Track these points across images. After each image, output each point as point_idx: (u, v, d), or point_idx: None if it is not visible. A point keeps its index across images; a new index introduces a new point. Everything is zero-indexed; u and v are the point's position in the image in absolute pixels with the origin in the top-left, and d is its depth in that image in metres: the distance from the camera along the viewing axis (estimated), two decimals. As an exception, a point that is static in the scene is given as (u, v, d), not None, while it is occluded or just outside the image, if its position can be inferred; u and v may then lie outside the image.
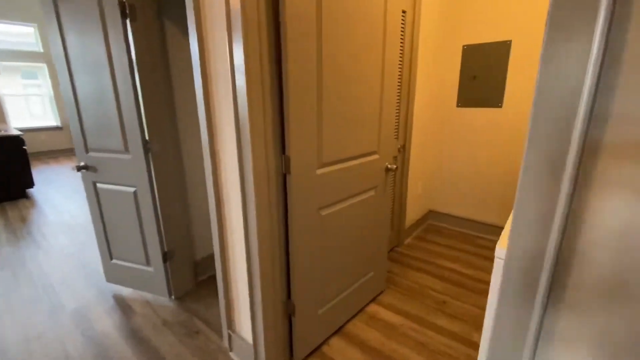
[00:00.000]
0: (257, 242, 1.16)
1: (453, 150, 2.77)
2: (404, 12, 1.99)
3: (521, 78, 2.33)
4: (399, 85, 2.12)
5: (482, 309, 1.81)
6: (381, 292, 1.95)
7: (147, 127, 1.60)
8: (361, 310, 1.81)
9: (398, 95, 2.14)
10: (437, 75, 2.67)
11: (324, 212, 1.36)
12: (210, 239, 2.14)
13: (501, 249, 0.87)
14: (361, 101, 1.41)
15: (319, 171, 1.29)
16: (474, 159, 2.67)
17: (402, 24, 2.00)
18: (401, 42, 2.04)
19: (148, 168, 1.64)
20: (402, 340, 1.59)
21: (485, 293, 1.95)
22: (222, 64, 1.08)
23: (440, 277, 2.12)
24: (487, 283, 2.04)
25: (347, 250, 1.55)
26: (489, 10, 2.37)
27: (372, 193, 1.64)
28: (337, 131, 1.32)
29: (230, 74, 1.04)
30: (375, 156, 1.60)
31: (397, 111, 2.17)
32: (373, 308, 1.83)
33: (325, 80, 1.21)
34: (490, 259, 2.35)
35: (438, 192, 2.94)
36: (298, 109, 1.14)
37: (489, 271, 2.19)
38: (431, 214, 3.01)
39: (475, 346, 1.54)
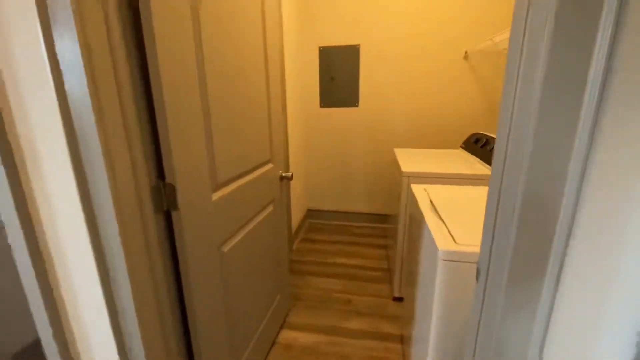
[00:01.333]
0: (136, 318, 0.74)
1: (320, 149, 2.85)
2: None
3: (371, 80, 2.60)
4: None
5: (381, 296, 1.91)
6: (288, 312, 1.76)
7: None
8: (274, 343, 1.56)
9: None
10: (300, 76, 2.65)
11: (226, 248, 1.04)
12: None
13: (445, 250, 0.85)
14: (251, 103, 1.15)
15: (216, 195, 0.96)
16: (339, 155, 2.83)
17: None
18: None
19: None
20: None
21: (376, 280, 2.08)
22: (28, 61, 0.60)
23: (336, 276, 2.13)
24: (374, 270, 2.19)
25: (253, 282, 1.28)
26: (339, 14, 2.51)
27: (270, 208, 1.41)
28: (230, 140, 1.02)
29: (51, 76, 0.59)
30: (270, 165, 1.37)
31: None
32: (285, 335, 1.62)
33: (210, 79, 0.90)
34: (367, 245, 2.54)
35: (313, 190, 2.98)
36: (178, 117, 0.78)
37: (371, 258, 2.36)
38: (309, 212, 3.03)
39: (389, 337, 1.59)
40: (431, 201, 1.21)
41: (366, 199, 2.90)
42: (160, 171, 0.79)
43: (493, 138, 1.80)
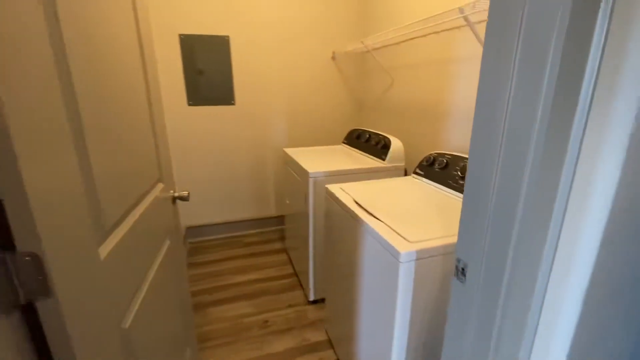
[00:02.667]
0: None
1: (193, 154, 2.44)
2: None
3: (246, 76, 2.40)
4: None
5: (297, 304, 1.82)
6: (198, 362, 1.43)
7: None
8: (190, 409, 1.22)
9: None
10: (159, 69, 2.15)
11: (127, 322, 0.69)
12: None
13: (407, 252, 0.84)
14: (131, 109, 0.80)
15: (104, 250, 0.61)
16: (217, 160, 2.51)
17: None
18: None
19: None
20: (262, 401, 1.26)
21: (286, 288, 1.97)
22: None
23: (241, 298, 1.88)
24: (281, 278, 2.08)
25: (163, 351, 0.93)
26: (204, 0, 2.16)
27: (167, 243, 1.06)
28: (113, 162, 0.67)
29: None
30: (160, 186, 1.02)
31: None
32: (201, 392, 1.30)
33: (79, 81, 0.55)
34: (265, 253, 2.39)
35: (189, 204, 2.54)
36: (33, 131, 0.43)
37: (273, 265, 2.22)
38: (188, 231, 2.57)
39: (319, 346, 1.52)
40: (356, 201, 1.19)
41: (254, 204, 2.70)
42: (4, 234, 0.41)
43: (374, 133, 1.98)
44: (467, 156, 1.31)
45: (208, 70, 2.31)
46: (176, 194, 1.17)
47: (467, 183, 0.62)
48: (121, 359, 0.65)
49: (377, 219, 1.04)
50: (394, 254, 0.85)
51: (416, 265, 0.84)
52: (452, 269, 0.90)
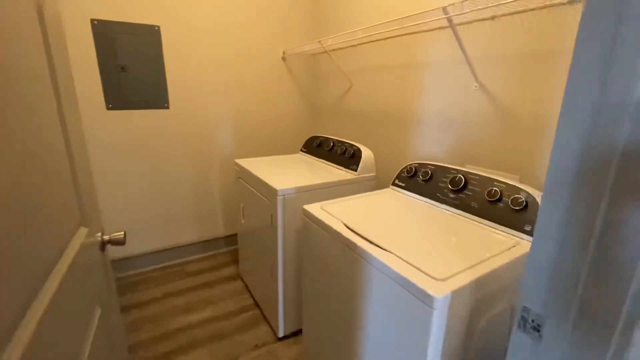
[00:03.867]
0: None
1: (116, 170, 1.97)
2: None
3: (182, 75, 2.02)
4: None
5: (264, 344, 1.55)
6: None
7: None
8: None
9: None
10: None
11: None
12: None
13: (443, 296, 0.68)
14: (35, 132, 0.48)
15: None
16: (148, 175, 2.08)
17: None
18: None
19: None
20: None
21: (248, 325, 1.68)
22: None
23: (195, 345, 1.54)
24: (239, 312, 1.77)
25: None
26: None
27: (99, 312, 0.73)
28: (11, 223, 0.37)
29: None
30: (83, 231, 0.69)
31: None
32: None
33: None
34: (215, 282, 2.04)
35: (113, 231, 2.04)
36: None
37: (227, 297, 1.90)
38: (115, 264, 2.07)
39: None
40: (346, 225, 1.01)
41: (197, 225, 2.31)
42: None
43: (339, 141, 1.82)
44: (452, 167, 1.23)
45: (133, 67, 1.88)
46: (106, 237, 0.83)
47: (542, 215, 0.48)
48: None
49: (381, 248, 0.87)
50: (422, 298, 0.69)
51: (450, 307, 0.70)
52: (480, 308, 0.77)
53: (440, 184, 1.21)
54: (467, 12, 1.07)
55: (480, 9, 1.04)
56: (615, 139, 0.40)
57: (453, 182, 1.15)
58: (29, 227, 0.44)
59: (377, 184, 1.66)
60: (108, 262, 0.91)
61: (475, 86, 1.29)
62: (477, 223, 1.03)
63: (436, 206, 1.18)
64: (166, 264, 2.24)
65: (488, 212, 1.02)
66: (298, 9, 2.29)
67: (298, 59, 2.39)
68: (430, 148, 1.53)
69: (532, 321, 0.53)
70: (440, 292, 0.67)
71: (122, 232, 0.84)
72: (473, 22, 1.24)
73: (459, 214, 1.09)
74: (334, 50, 2.09)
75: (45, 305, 0.44)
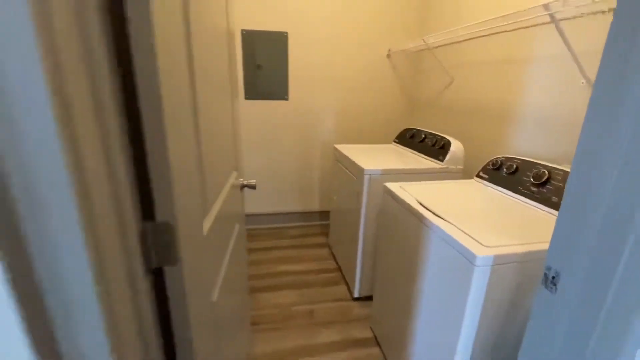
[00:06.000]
0: None
1: (244, 146, 2.55)
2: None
3: (300, 71, 2.44)
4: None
5: (341, 299, 1.84)
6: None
7: None
8: (244, 386, 1.29)
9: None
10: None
11: (215, 295, 0.75)
12: None
13: (483, 256, 0.82)
14: (221, 100, 0.86)
15: (206, 226, 0.67)
16: (266, 152, 2.59)
17: None
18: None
19: None
20: (310, 389, 1.29)
21: (330, 282, 1.99)
22: None
23: (287, 287, 1.94)
24: (324, 272, 2.11)
25: (234, 330, 0.99)
26: (266, -5, 2.24)
27: (237, 228, 1.12)
28: (211, 147, 0.73)
29: None
30: (235, 174, 1.09)
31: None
32: (252, 372, 1.36)
33: (198, 83, 0.61)
34: (308, 246, 2.43)
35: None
36: (175, 121, 0.48)
37: (316, 259, 2.26)
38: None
39: (365, 342, 1.53)
40: (419, 201, 1.18)
41: (298, 197, 2.76)
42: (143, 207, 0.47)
43: (430, 133, 1.93)
44: (540, 162, 1.24)
45: (266, 65, 2.39)
46: (245, 182, 1.23)
47: (570, 186, 0.58)
48: (211, 328, 0.71)
49: (446, 220, 1.02)
50: (468, 257, 0.83)
51: (491, 271, 0.82)
52: (529, 278, 0.86)
53: (523, 178, 1.23)
54: (570, 8, 1.07)
55: (585, 5, 1.03)
56: None
57: (536, 176, 1.17)
58: (224, 158, 0.81)
59: (464, 177, 1.71)
60: (243, 201, 1.33)
61: (582, 82, 1.24)
62: (551, 215, 1.05)
63: (514, 197, 1.22)
64: (274, 225, 2.76)
65: (568, 207, 1.03)
66: (407, 8, 2.43)
67: (402, 56, 2.53)
68: (523, 144, 1.51)
69: (553, 278, 0.64)
70: (481, 252, 0.81)
71: (254, 181, 1.23)
72: (580, 16, 1.19)
73: (535, 206, 1.12)
74: (436, 47, 2.17)
75: (221, 201, 0.81)
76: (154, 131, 0.44)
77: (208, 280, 0.69)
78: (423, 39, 1.96)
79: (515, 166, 1.29)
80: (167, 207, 0.48)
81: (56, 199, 0.30)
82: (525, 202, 1.17)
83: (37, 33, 0.26)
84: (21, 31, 0.26)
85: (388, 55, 2.52)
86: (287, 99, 2.50)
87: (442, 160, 1.69)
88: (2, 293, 0.29)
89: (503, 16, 1.32)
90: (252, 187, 1.23)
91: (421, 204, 1.16)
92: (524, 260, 0.84)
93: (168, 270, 0.51)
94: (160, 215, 0.48)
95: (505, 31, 1.59)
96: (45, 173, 0.30)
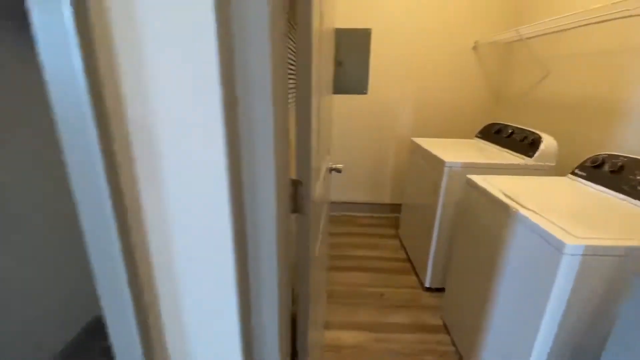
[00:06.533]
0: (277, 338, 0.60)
1: (324, 138, 2.73)
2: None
3: (380, 66, 2.52)
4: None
5: (412, 287, 1.90)
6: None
7: None
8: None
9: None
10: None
11: (316, 251, 0.91)
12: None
13: (573, 245, 0.82)
14: (325, 89, 1.01)
15: (315, 189, 0.82)
16: (343, 143, 2.73)
17: None
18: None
19: None
20: (380, 358, 1.40)
21: (400, 271, 2.06)
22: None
23: (359, 269, 2.07)
24: (393, 260, 2.17)
25: (321, 289, 1.16)
26: (354, -5, 2.37)
27: (325, 206, 1.28)
28: (321, 129, 0.88)
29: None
30: (328, 157, 1.25)
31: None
32: (327, 335, 1.52)
33: (319, 73, 0.76)
34: (378, 236, 2.52)
35: (316, 182, 2.86)
36: (318, 89, 0.64)
37: (386, 248, 2.33)
38: (312, 205, 2.91)
39: (435, 329, 1.58)
40: (505, 194, 1.18)
41: (369, 189, 2.86)
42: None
43: (519, 128, 1.84)
44: (654, 160, 1.13)
45: (346, 62, 2.52)
46: (333, 166, 1.38)
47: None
48: (313, 280, 0.87)
49: (533, 212, 1.02)
50: (556, 245, 0.84)
51: (582, 262, 0.82)
52: (625, 274, 0.83)
53: (629, 177, 1.14)
54: None
55: None
56: None
57: (647, 174, 1.08)
58: (324, 139, 0.96)
59: (556, 175, 1.61)
60: (330, 183, 1.49)
61: None
62: (666, 218, 0.97)
63: (618, 197, 1.14)
64: (344, 213, 2.91)
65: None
66: (494, 1, 2.31)
67: (490, 48, 2.42)
68: (630, 141, 1.36)
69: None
70: (571, 241, 0.81)
71: (342, 165, 1.38)
72: None
73: (645, 208, 1.04)
74: (530, 38, 2.03)
75: (322, 174, 0.96)
76: (304, 114, 0.60)
77: (312, 238, 0.85)
78: (517, 30, 1.87)
79: (620, 164, 1.20)
80: (305, 170, 0.64)
81: (265, 153, 0.47)
82: (631, 202, 1.08)
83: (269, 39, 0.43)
84: (260, 38, 0.43)
85: (474, 47, 2.44)
86: (365, 93, 2.60)
87: (531, 156, 1.62)
88: (226, 242, 0.47)
89: (614, 3, 1.22)
90: (339, 170, 1.38)
91: (507, 196, 1.16)
92: (623, 254, 0.82)
93: (299, 217, 0.67)
94: (299, 174, 0.64)
95: (612, 19, 1.44)
96: (261, 133, 0.46)
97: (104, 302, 0.53)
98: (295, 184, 0.64)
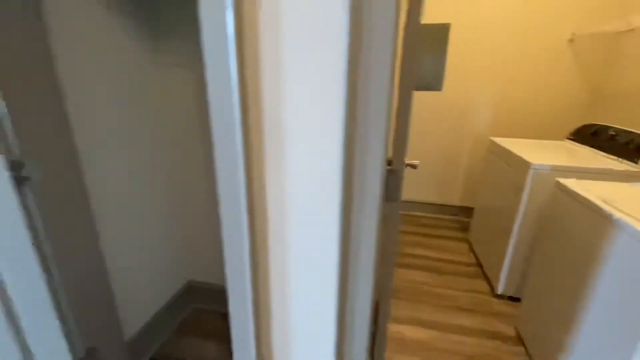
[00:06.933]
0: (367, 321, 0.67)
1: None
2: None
3: (458, 62, 2.42)
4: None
5: (480, 292, 1.82)
6: (388, 305, 1.70)
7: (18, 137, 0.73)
8: (385, 336, 1.51)
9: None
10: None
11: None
12: (144, 302, 1.33)
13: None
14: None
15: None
16: (412, 143, 2.68)
17: None
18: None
19: (25, 210, 0.78)
20: (446, 358, 1.40)
21: (467, 275, 1.98)
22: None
23: (420, 268, 2.04)
24: (462, 264, 2.10)
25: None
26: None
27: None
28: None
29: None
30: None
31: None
32: (390, 328, 1.56)
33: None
34: (443, 237, 2.44)
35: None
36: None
37: (453, 251, 2.25)
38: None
39: (509, 338, 1.50)
40: (604, 200, 1.08)
41: (436, 189, 2.78)
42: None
43: (624, 131, 1.63)
44: None
45: (422, 58, 2.47)
46: (409, 162, 1.40)
47: None
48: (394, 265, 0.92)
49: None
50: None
51: None
52: None
53: None
54: None
55: None
56: None
57: None
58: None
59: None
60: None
61: None
62: None
63: None
64: (406, 212, 2.88)
65: None
66: (607, -18, 2.05)
67: (589, 40, 2.16)
68: None
69: None
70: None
71: (417, 161, 1.39)
72: None
73: None
74: (649, 25, 1.77)
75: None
76: (404, 109, 0.65)
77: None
78: (626, 18, 1.65)
79: None
80: (399, 160, 0.69)
81: (376, 147, 0.54)
82: None
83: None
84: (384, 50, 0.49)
85: (571, 40, 2.20)
86: (440, 90, 2.53)
87: (636, 162, 1.43)
88: (333, 223, 0.55)
89: None
90: (414, 166, 1.39)
91: (607, 203, 1.06)
92: None
93: (388, 206, 0.73)
94: (395, 164, 0.69)
95: None
96: (374, 127, 0.53)
97: (228, 268, 0.66)
98: (390, 173, 0.70)
